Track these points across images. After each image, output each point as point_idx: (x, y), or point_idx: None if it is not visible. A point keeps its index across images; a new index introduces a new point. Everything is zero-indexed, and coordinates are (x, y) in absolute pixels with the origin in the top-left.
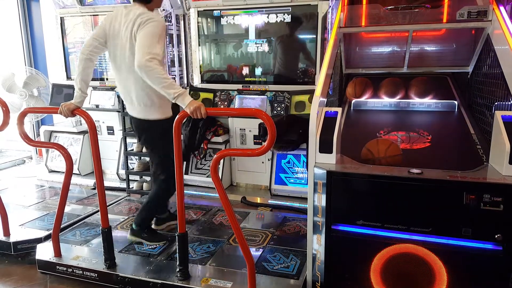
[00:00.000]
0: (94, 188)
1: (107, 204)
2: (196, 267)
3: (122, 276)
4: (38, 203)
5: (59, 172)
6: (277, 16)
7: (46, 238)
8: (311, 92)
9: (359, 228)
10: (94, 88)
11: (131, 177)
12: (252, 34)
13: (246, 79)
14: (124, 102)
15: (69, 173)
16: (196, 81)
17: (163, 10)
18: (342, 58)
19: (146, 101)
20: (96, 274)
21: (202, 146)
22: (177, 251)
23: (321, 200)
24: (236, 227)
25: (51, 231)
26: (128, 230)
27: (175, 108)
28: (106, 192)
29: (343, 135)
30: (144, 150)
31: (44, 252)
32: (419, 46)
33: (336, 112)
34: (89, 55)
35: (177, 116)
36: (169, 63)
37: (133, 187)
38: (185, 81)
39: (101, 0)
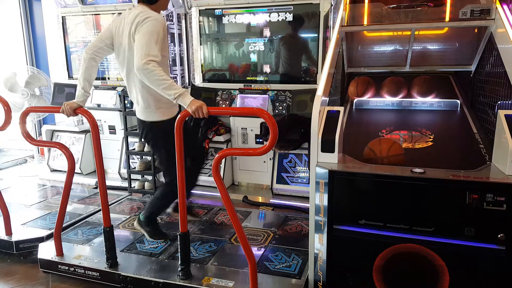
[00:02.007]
0: (96, 187)
1: (109, 203)
2: (197, 266)
3: (124, 275)
4: (40, 202)
5: (61, 171)
6: (278, 15)
7: (48, 237)
8: (313, 91)
9: (361, 227)
10: (96, 87)
11: (133, 176)
12: (253, 33)
13: (248, 78)
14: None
15: (71, 172)
16: (198, 80)
17: None
18: (344, 57)
19: (150, 102)
20: (98, 273)
21: (203, 145)
22: (178, 250)
23: (323, 199)
24: (238, 226)
25: (53, 230)
26: (130, 229)
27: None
28: (108, 191)
29: (345, 134)
30: (145, 149)
31: (46, 251)
32: (421, 45)
33: (338, 111)
34: (92, 55)
35: (179, 116)
36: (170, 63)
37: (134, 186)
38: (187, 81)
39: None
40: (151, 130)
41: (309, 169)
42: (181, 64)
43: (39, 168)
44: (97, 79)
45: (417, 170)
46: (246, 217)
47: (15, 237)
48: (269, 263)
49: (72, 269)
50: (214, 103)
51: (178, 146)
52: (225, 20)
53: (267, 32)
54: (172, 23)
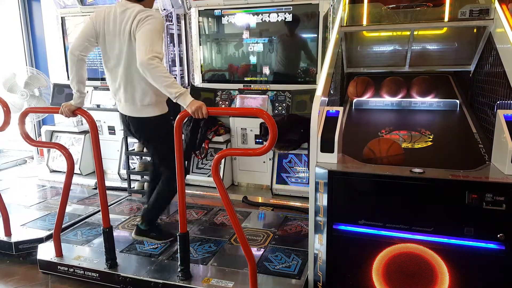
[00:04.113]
0: (95, 188)
1: (108, 204)
2: (197, 267)
3: (123, 276)
4: (40, 203)
5: (60, 172)
6: (278, 15)
7: (48, 238)
8: (312, 92)
9: (361, 227)
10: (95, 88)
11: (132, 177)
12: (253, 34)
13: (247, 78)
14: (116, 101)
15: (70, 173)
16: (197, 81)
17: (164, 9)
18: (343, 57)
19: (149, 99)
20: (97, 274)
21: (203, 145)
22: (178, 251)
23: (322, 199)
24: (238, 227)
25: (52, 231)
26: (130, 230)
27: (176, 105)
28: (107, 192)
29: (344, 134)
30: (145, 150)
31: (46, 252)
32: (420, 45)
33: (338, 112)
34: (80, 56)
35: (178, 116)
36: (170, 63)
37: (134, 187)
38: (186, 81)
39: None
40: (146, 126)
41: (308, 169)
42: (181, 64)
43: (39, 169)
44: (96, 79)
45: (417, 170)
46: (246, 217)
47: (14, 238)
48: (269, 263)
49: (71, 270)
50: (214, 104)
51: (178, 145)
52: (224, 20)
53: (266, 33)
54: (172, 23)
